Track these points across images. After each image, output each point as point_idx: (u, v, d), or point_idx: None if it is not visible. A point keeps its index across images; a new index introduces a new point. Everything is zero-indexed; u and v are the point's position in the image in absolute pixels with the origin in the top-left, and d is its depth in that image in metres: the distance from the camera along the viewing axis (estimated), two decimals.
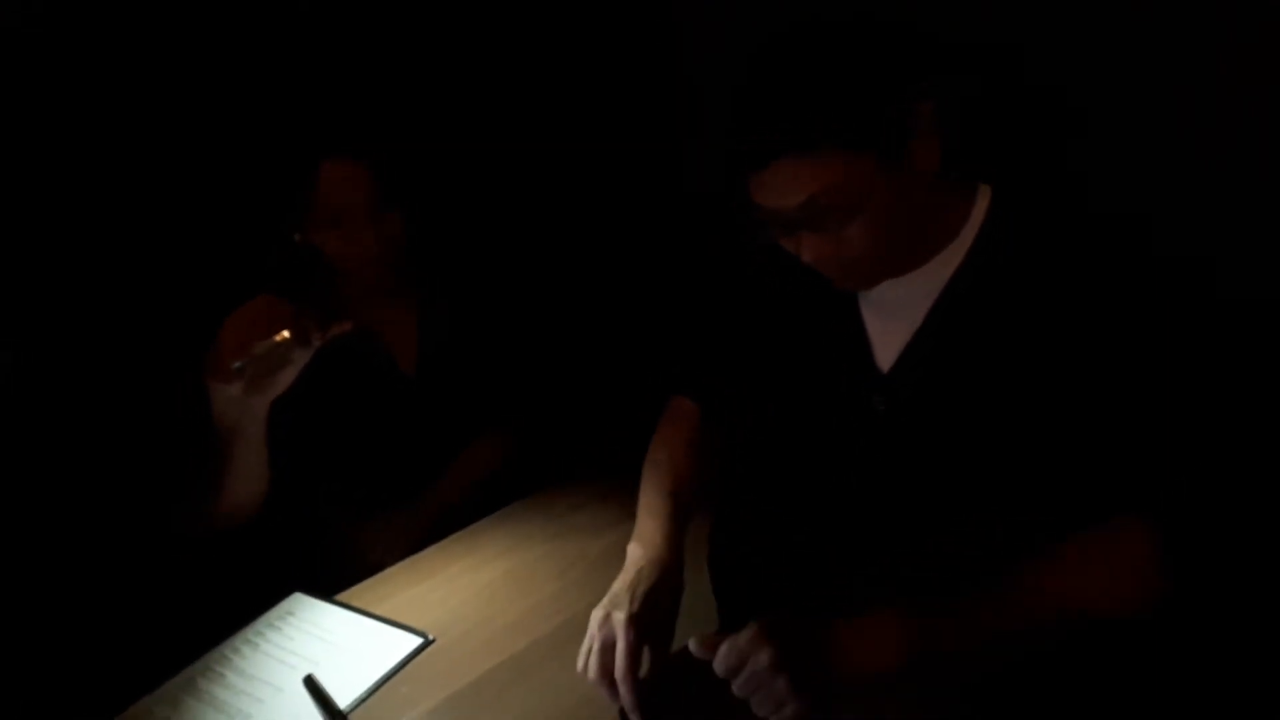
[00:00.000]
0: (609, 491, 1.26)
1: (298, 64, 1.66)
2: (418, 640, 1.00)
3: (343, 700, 0.92)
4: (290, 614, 1.06)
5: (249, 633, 1.04)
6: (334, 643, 1.01)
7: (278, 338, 0.99)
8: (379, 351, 1.49)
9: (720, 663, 0.78)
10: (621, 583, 0.94)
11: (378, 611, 1.06)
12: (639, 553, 0.98)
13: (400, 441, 1.49)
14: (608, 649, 0.87)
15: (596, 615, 0.90)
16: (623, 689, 0.86)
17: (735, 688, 0.78)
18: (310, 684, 0.91)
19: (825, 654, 0.79)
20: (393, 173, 1.40)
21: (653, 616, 0.91)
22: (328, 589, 1.11)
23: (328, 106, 1.65)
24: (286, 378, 1.06)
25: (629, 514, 1.18)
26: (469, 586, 1.11)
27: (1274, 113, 1.11)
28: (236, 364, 0.98)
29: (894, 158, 0.86)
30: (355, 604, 1.08)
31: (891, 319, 1.01)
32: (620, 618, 0.88)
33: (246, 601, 1.09)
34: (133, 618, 1.18)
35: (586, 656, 0.88)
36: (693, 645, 0.80)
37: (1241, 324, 1.14)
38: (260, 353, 0.99)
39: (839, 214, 0.87)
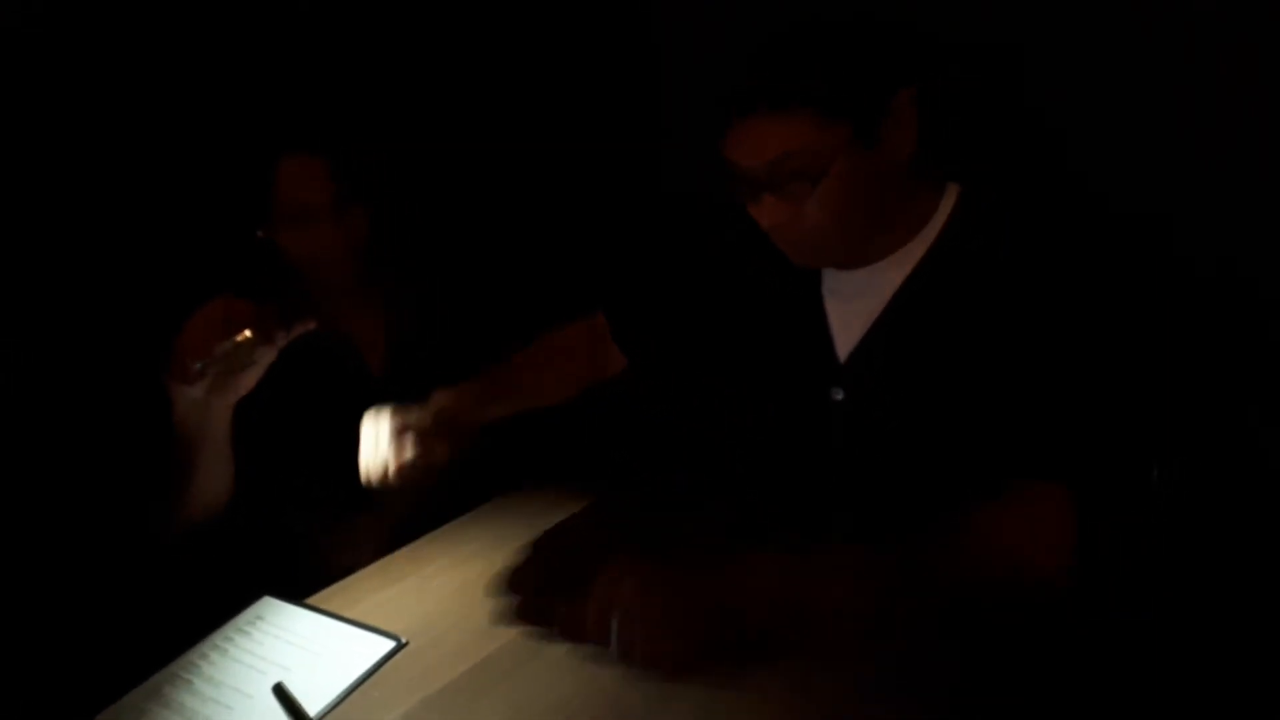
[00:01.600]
0: (583, 493, 1.25)
1: (257, 58, 1.63)
2: (390, 644, 0.99)
3: (314, 706, 0.90)
4: (260, 619, 1.05)
5: (217, 638, 1.02)
6: (305, 647, 0.99)
7: (239, 338, 0.98)
8: (346, 352, 1.47)
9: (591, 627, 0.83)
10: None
11: (349, 615, 1.04)
12: (440, 396, 1.11)
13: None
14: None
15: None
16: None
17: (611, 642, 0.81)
18: (279, 692, 0.89)
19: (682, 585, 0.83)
20: (354, 170, 1.38)
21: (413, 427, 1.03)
22: (298, 593, 1.09)
23: (287, 101, 1.62)
24: (249, 379, 1.04)
25: (608, 516, 1.18)
26: (442, 589, 1.10)
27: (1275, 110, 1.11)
28: (197, 365, 0.96)
29: (866, 136, 0.88)
30: (326, 608, 1.06)
31: (852, 309, 1.02)
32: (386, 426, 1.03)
33: (214, 606, 1.07)
34: (98, 625, 1.16)
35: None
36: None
37: (1192, 327, 1.16)
38: (221, 353, 0.97)
39: (803, 179, 0.89)
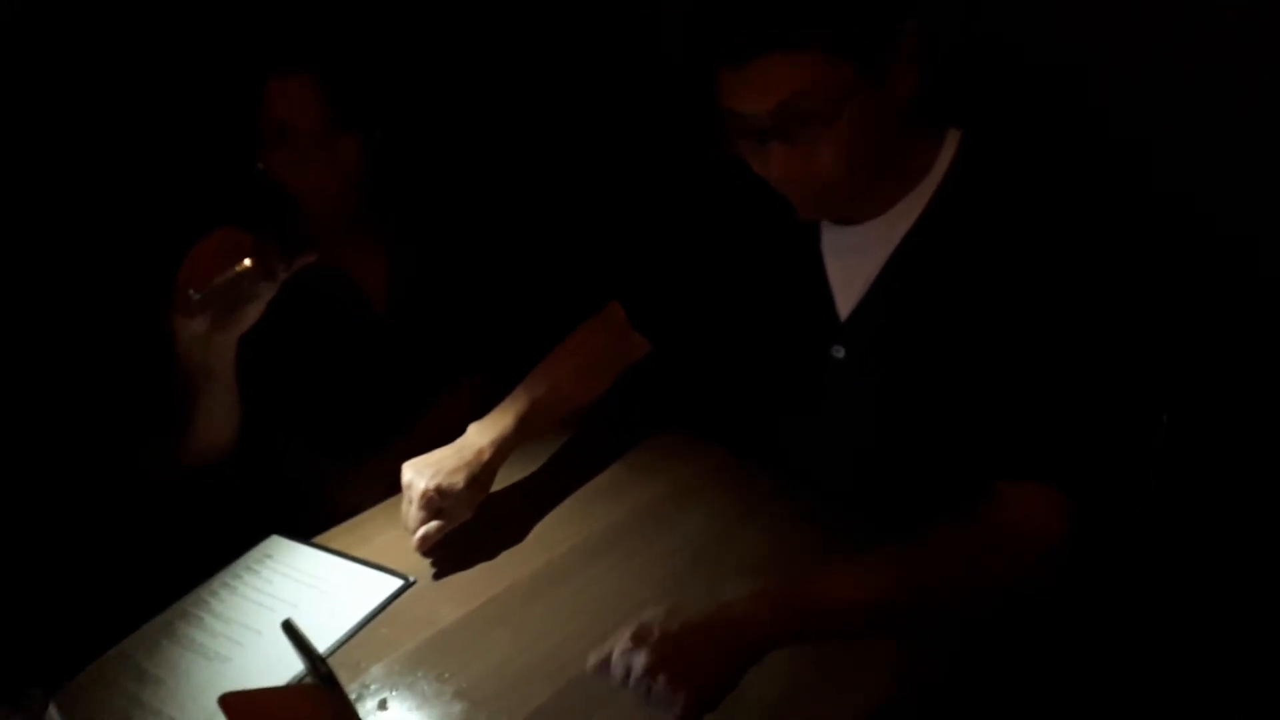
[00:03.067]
0: (590, 432, 1.25)
1: None
2: (398, 582, 1.00)
3: (322, 643, 0.92)
4: (268, 557, 1.06)
5: (226, 576, 1.03)
6: (313, 585, 1.00)
7: (238, 268, 0.96)
8: (349, 291, 1.46)
9: (614, 676, 0.78)
10: (441, 454, 1.06)
11: (357, 554, 1.05)
12: (471, 437, 1.09)
13: (373, 383, 1.47)
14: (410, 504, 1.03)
15: (409, 473, 1.04)
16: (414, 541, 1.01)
17: (632, 695, 0.77)
18: (289, 628, 0.90)
19: (702, 639, 0.78)
20: (348, 91, 1.34)
21: (444, 498, 1.02)
22: (306, 532, 1.10)
23: (277, 16, 1.56)
24: (252, 313, 1.03)
25: (612, 455, 1.18)
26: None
27: None
28: (197, 295, 0.95)
29: (873, 74, 0.85)
30: (334, 546, 1.07)
31: (852, 266, 1.00)
32: (420, 487, 1.01)
33: (222, 545, 1.08)
34: (108, 561, 1.17)
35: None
36: (590, 663, 0.80)
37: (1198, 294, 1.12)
38: (222, 284, 0.96)
39: (812, 122, 0.85)
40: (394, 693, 0.86)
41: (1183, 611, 0.98)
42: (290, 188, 1.34)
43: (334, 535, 1.10)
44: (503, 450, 1.09)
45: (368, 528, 1.12)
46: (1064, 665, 0.86)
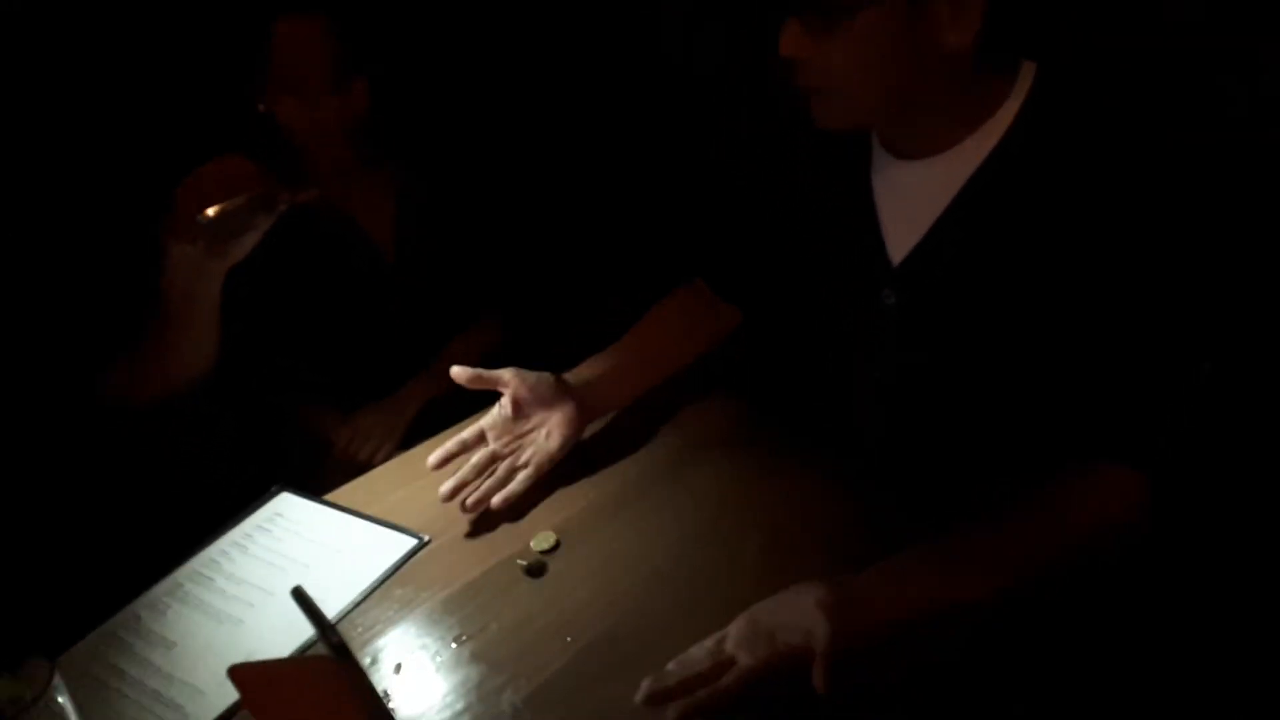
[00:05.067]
0: None
1: None
2: (412, 541, 0.97)
3: (336, 604, 0.89)
4: (279, 515, 1.03)
5: (237, 535, 1.00)
6: (326, 545, 0.98)
7: (245, 195, 0.94)
8: (356, 236, 1.43)
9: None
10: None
11: (369, 512, 1.02)
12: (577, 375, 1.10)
13: (380, 330, 1.45)
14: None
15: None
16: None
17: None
18: (299, 595, 0.88)
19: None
20: (355, 34, 1.31)
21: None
22: (316, 489, 1.07)
23: None
24: (247, 244, 0.99)
25: (634, 410, 1.15)
26: None
27: None
28: (203, 220, 0.92)
29: (913, 5, 0.80)
30: (346, 504, 1.04)
31: (907, 208, 0.95)
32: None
33: (229, 499, 1.06)
34: (108, 518, 1.14)
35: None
36: (640, 696, 0.75)
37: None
38: (229, 209, 0.93)
39: (838, 6, 0.82)
40: (409, 655, 0.84)
41: (1203, 604, 0.94)
42: (298, 131, 1.31)
43: (345, 492, 1.08)
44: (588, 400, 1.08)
45: (380, 484, 1.09)
46: (1081, 647, 0.82)
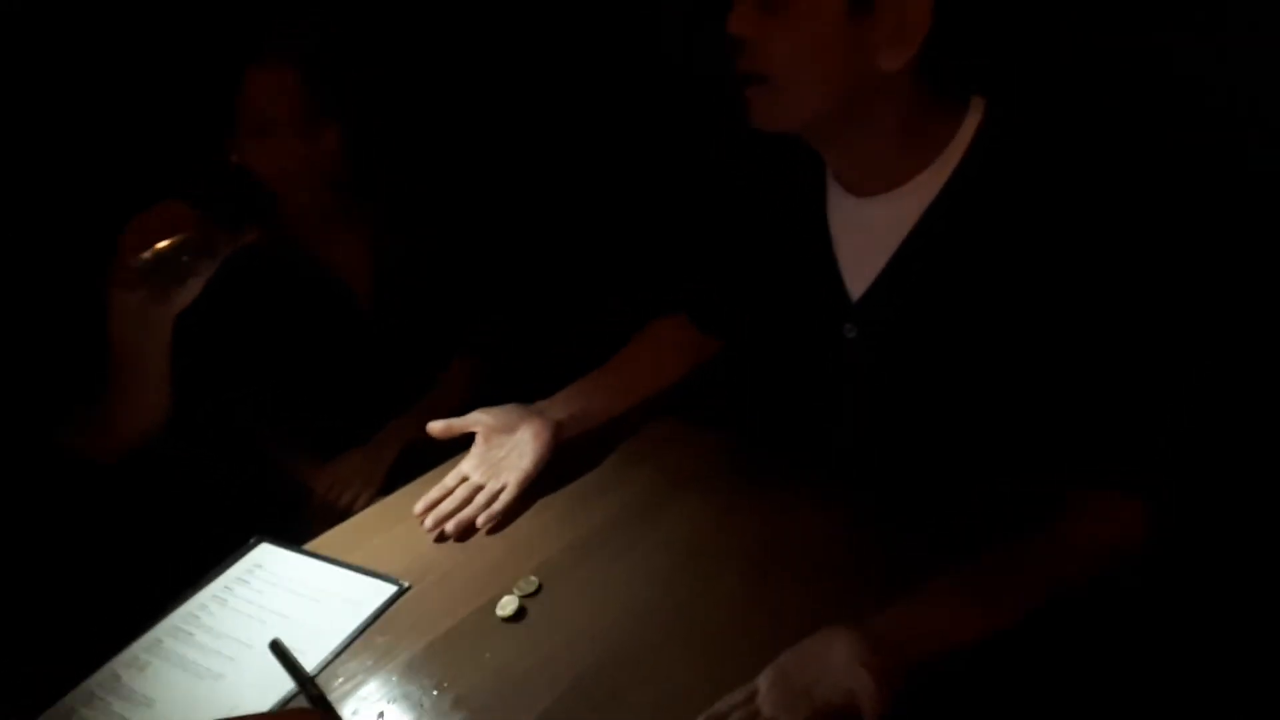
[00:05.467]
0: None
1: None
2: (392, 588, 0.97)
3: (318, 654, 0.89)
4: (258, 566, 1.03)
5: (217, 588, 1.00)
6: (306, 595, 0.97)
7: (176, 239, 0.94)
8: (333, 285, 1.43)
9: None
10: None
11: (350, 559, 1.02)
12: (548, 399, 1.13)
13: (358, 376, 1.45)
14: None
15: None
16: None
17: None
18: (276, 649, 0.87)
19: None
20: (327, 81, 1.32)
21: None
22: (294, 538, 1.07)
23: (256, 6, 1.54)
24: (191, 289, 0.99)
25: (608, 448, 1.16)
26: None
27: None
28: (135, 264, 0.93)
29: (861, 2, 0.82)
30: (325, 553, 1.04)
31: (864, 244, 0.97)
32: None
33: (207, 550, 1.05)
34: (89, 572, 1.13)
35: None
36: None
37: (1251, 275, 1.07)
38: (163, 251, 0.94)
39: None
40: (391, 704, 0.83)
41: (1203, 606, 0.95)
42: (269, 178, 1.32)
43: (325, 541, 1.07)
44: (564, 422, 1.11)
45: (359, 531, 1.09)
46: (1081, 647, 0.83)
